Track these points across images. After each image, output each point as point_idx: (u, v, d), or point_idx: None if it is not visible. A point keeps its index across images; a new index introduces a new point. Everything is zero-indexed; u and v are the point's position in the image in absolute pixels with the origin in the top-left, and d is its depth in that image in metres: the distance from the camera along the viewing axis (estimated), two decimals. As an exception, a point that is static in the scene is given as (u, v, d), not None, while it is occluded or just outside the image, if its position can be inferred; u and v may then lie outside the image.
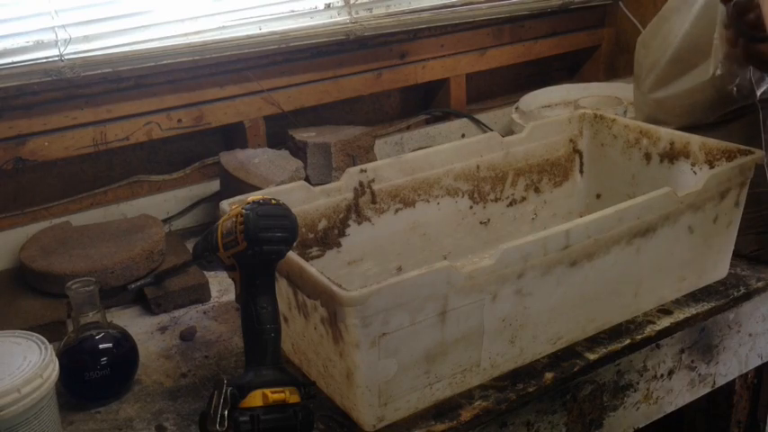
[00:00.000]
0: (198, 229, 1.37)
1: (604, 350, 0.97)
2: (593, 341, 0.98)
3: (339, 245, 1.08)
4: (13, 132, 1.25)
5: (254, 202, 0.80)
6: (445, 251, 1.17)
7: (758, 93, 1.10)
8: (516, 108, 1.65)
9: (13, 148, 1.26)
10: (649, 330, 1.01)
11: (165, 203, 1.39)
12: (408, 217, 1.14)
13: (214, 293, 1.17)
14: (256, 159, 1.33)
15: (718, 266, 1.11)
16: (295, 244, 0.83)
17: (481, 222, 1.21)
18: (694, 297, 1.07)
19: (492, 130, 1.59)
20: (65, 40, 1.23)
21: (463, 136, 1.69)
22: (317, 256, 1.06)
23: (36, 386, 0.78)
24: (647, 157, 1.19)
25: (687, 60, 1.16)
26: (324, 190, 1.06)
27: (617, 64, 1.98)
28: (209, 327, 1.09)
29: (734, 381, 1.24)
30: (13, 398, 0.75)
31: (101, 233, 1.23)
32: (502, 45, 1.76)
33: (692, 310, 1.05)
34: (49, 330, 1.03)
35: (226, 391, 0.75)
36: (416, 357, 0.83)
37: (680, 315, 1.04)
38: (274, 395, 0.75)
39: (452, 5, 1.62)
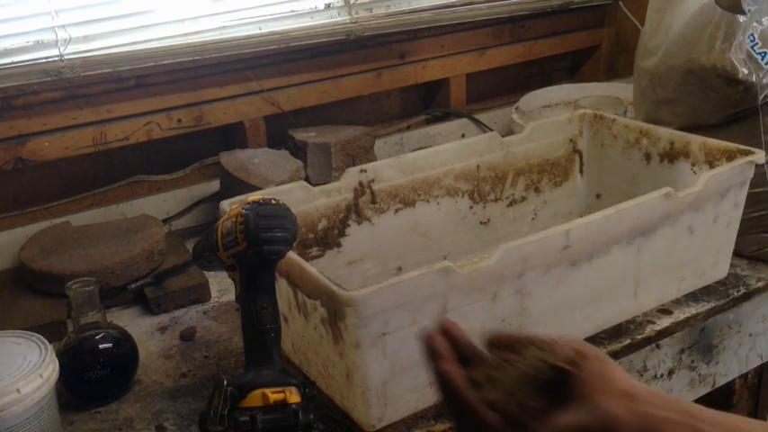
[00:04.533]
0: (198, 229, 1.36)
1: (604, 350, 0.97)
2: (593, 341, 0.98)
3: (339, 245, 1.08)
4: (13, 132, 1.25)
5: (254, 202, 0.80)
6: (445, 251, 1.17)
7: (760, 97, 1.10)
8: (516, 108, 1.65)
9: (13, 148, 1.26)
10: (649, 330, 1.01)
11: (165, 203, 1.39)
12: (408, 217, 1.14)
13: (214, 293, 1.17)
14: (256, 159, 1.33)
15: (718, 266, 1.11)
16: (295, 244, 0.83)
17: (481, 222, 1.21)
18: (694, 297, 1.07)
19: (492, 130, 1.58)
20: (65, 40, 1.23)
21: (463, 136, 1.68)
22: (317, 256, 1.06)
23: (36, 386, 0.78)
24: (647, 157, 1.19)
25: (681, 53, 1.16)
26: (324, 190, 1.06)
27: (617, 64, 1.98)
28: (209, 327, 1.09)
29: (734, 381, 1.24)
30: (13, 398, 0.75)
31: (101, 233, 1.22)
32: (502, 45, 1.76)
33: (692, 310, 1.05)
34: (49, 330, 1.02)
35: (226, 391, 0.75)
36: (417, 357, 0.82)
37: (680, 315, 1.04)
38: (274, 395, 0.75)
39: (452, 5, 1.62)
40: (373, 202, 1.10)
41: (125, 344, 0.95)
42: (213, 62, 1.39)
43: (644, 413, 0.55)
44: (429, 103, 1.77)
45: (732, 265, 1.12)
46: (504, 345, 0.65)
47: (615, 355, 0.97)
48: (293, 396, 0.76)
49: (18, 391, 0.76)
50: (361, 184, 1.09)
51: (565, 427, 0.57)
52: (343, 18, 1.49)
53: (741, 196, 1.07)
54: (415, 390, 0.85)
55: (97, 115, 1.32)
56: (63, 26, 1.23)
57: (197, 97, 1.40)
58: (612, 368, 0.60)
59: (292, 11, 1.44)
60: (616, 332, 1.00)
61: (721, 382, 1.14)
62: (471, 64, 1.72)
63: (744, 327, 1.13)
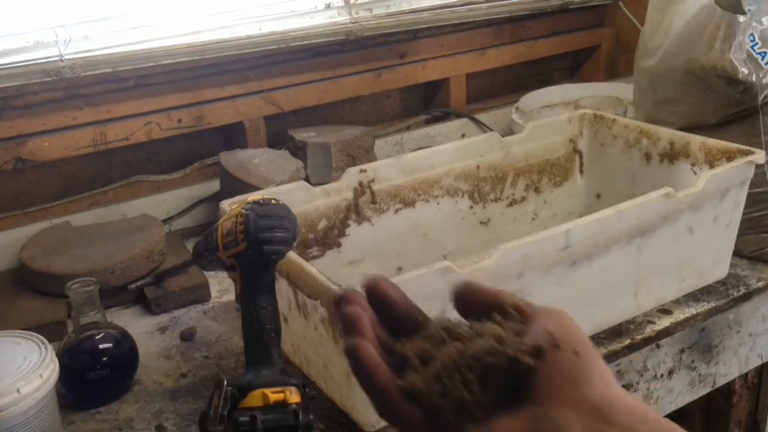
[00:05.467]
0: (198, 229, 1.36)
1: (604, 350, 0.97)
2: (593, 341, 0.98)
3: (339, 245, 1.08)
4: (13, 132, 1.25)
5: (254, 202, 0.80)
6: (445, 251, 1.17)
7: (760, 97, 1.10)
8: (516, 108, 1.65)
9: (13, 148, 1.25)
10: (649, 330, 1.01)
11: (165, 203, 1.39)
12: (408, 217, 1.14)
13: (214, 293, 1.17)
14: (256, 159, 1.33)
15: (718, 266, 1.11)
16: (295, 244, 0.83)
17: (481, 222, 1.21)
18: (694, 297, 1.07)
19: (492, 130, 1.58)
20: (65, 40, 1.23)
21: (463, 136, 1.68)
22: (317, 256, 1.06)
23: (36, 386, 0.78)
24: (647, 157, 1.19)
25: (681, 53, 1.16)
26: (324, 190, 1.06)
27: (617, 64, 1.98)
28: (209, 327, 1.09)
29: (734, 381, 1.24)
30: (13, 398, 0.75)
31: (101, 233, 1.22)
32: (502, 45, 1.76)
33: (691, 310, 1.05)
34: (49, 330, 1.02)
35: (226, 391, 0.75)
36: (416, 357, 0.83)
37: (680, 315, 1.04)
38: (274, 395, 0.75)
39: (452, 5, 1.62)
40: (373, 202, 1.10)
41: (125, 344, 0.95)
42: (213, 62, 1.39)
43: None
44: (429, 103, 1.77)
45: (732, 265, 1.12)
46: (475, 308, 0.48)
47: (615, 355, 0.97)
48: (293, 396, 0.77)
49: (18, 391, 0.76)
50: (361, 184, 1.09)
51: None
52: (343, 18, 1.49)
53: (741, 196, 1.06)
54: (415, 390, 0.85)
55: (97, 115, 1.32)
56: (63, 26, 1.23)
57: (197, 97, 1.40)
58: (591, 368, 0.43)
59: (292, 11, 1.44)
60: (616, 332, 1.00)
61: (721, 382, 1.14)
62: (471, 64, 1.72)
63: (744, 327, 1.13)
